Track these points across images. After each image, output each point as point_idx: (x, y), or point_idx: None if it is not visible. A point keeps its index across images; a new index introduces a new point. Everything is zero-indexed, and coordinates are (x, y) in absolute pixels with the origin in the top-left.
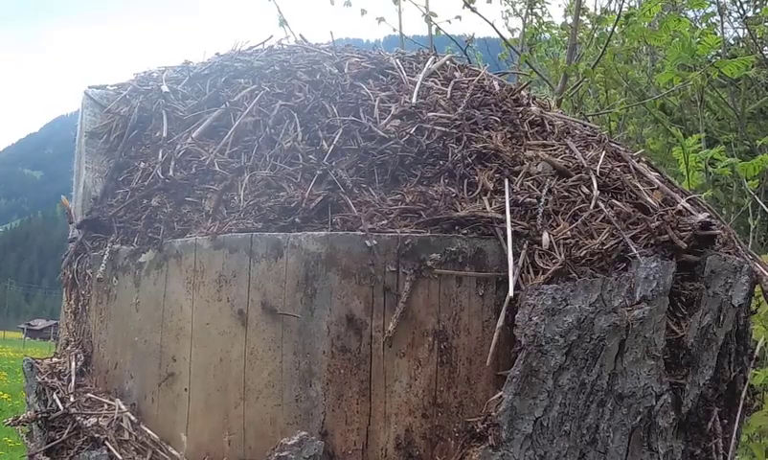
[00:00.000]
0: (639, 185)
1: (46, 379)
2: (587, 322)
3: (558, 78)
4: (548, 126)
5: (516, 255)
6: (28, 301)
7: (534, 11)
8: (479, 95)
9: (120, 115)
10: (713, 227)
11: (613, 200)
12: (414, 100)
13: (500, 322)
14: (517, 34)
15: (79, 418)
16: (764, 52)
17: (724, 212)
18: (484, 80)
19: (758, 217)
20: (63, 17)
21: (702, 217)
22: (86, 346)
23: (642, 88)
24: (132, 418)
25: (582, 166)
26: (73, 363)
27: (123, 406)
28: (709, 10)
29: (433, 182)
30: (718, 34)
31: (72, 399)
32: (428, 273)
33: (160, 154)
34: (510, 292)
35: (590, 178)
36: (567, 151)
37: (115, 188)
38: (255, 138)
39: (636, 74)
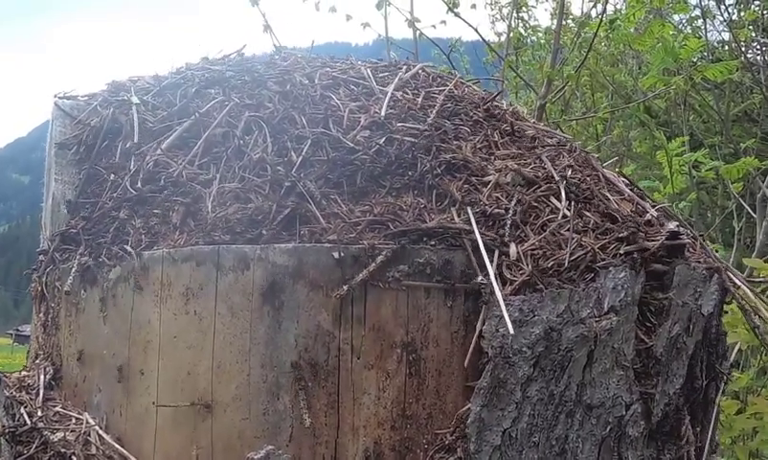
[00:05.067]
0: (608, 195)
1: (14, 393)
2: (555, 333)
3: (543, 82)
4: (518, 135)
5: (483, 267)
6: (16, 307)
7: (520, 15)
8: (449, 105)
9: (90, 126)
10: (682, 236)
11: (582, 210)
12: (383, 111)
13: (477, 328)
14: (503, 38)
15: (46, 432)
16: (748, 55)
17: (709, 215)
18: (455, 89)
19: (743, 219)
20: (62, 13)
21: (671, 226)
22: (55, 359)
23: (627, 91)
24: (100, 432)
25: (552, 176)
26: (42, 377)
27: (91, 420)
28: (693, 13)
29: (402, 193)
30: (702, 38)
31: (40, 413)
32: (396, 285)
33: (129, 166)
34: (510, 330)
35: (559, 188)
36: (537, 161)
37: (84, 200)
38: (224, 149)
39: (622, 77)
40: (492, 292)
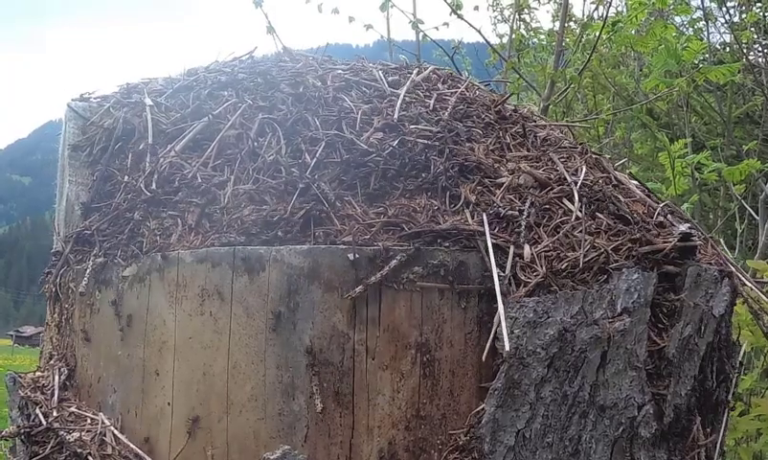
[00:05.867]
0: (620, 196)
1: (29, 393)
2: (569, 334)
3: (546, 84)
4: (530, 137)
5: (501, 267)
6: (16, 308)
7: (522, 16)
8: (461, 107)
9: (103, 128)
10: (694, 238)
11: (595, 212)
12: (396, 113)
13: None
14: (505, 40)
15: (62, 432)
16: (750, 57)
17: (711, 217)
18: (467, 91)
19: (746, 221)
20: (58, 18)
21: (683, 227)
22: (70, 360)
23: (629, 93)
24: (116, 432)
25: (564, 178)
26: (56, 377)
27: (106, 421)
28: (695, 15)
29: (415, 195)
30: (704, 40)
31: (55, 413)
32: (410, 286)
33: (143, 167)
34: (507, 347)
35: (571, 190)
36: (549, 163)
37: (98, 201)
38: (238, 151)
39: (623, 79)
40: (503, 296)
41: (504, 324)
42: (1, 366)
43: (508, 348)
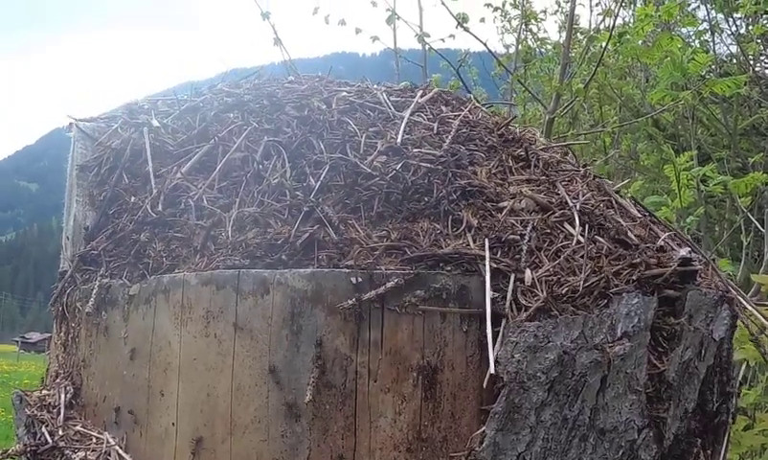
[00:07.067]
0: (621, 220)
1: (35, 411)
2: (569, 359)
3: (552, 95)
4: (533, 160)
5: (502, 292)
6: (23, 314)
7: (530, 27)
8: (464, 130)
9: (110, 148)
10: (694, 262)
11: (596, 236)
12: (399, 137)
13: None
14: (512, 50)
15: (67, 451)
16: (756, 69)
17: (717, 229)
18: (470, 113)
19: (751, 233)
20: (59, 24)
21: (683, 252)
22: (76, 378)
23: (636, 104)
24: (120, 452)
25: (565, 202)
26: (62, 396)
27: (111, 440)
28: (701, 27)
29: (418, 218)
30: (710, 52)
31: (61, 432)
32: (412, 309)
33: (149, 189)
34: (492, 370)
35: (572, 214)
36: (551, 187)
37: (105, 222)
38: (243, 174)
39: (630, 90)
40: (504, 318)
41: (490, 345)
42: (6, 372)
43: (493, 371)
